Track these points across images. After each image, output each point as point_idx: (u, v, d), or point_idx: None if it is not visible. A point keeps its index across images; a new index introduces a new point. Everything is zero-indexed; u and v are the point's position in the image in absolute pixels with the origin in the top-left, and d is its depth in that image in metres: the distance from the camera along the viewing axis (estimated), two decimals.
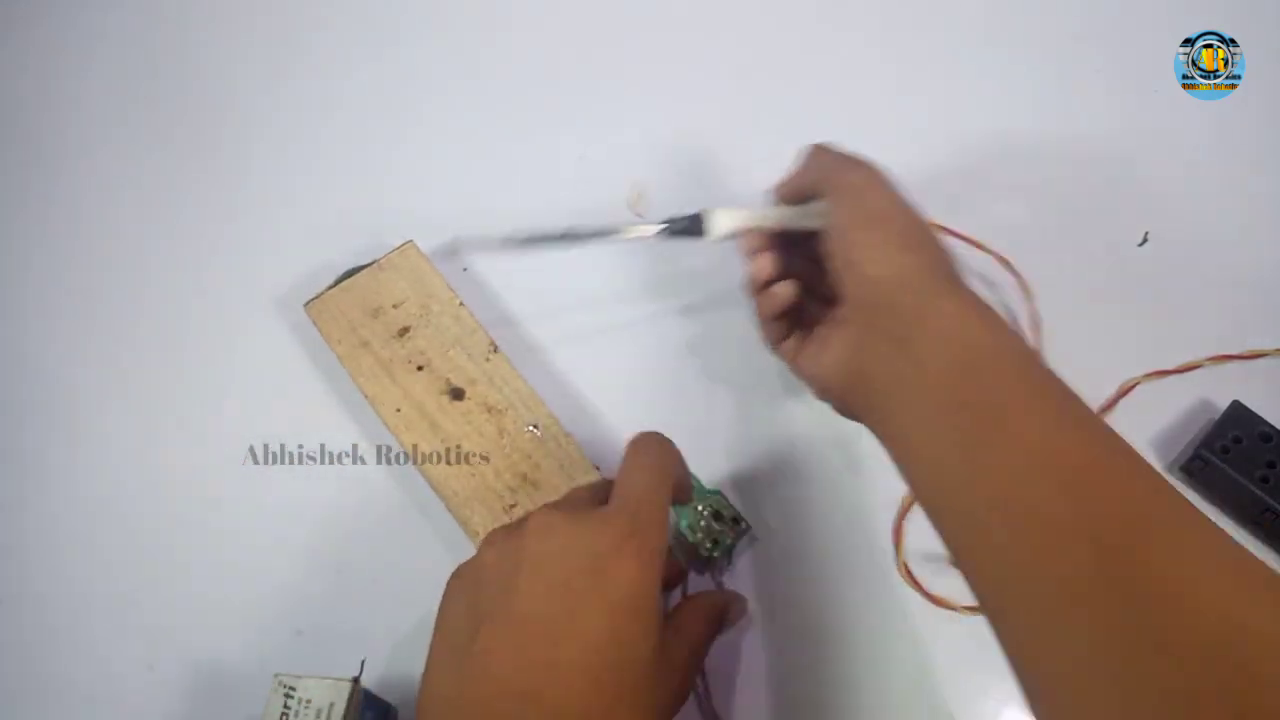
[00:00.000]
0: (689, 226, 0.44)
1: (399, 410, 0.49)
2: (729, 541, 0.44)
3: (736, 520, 0.45)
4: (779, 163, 0.57)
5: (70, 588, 0.49)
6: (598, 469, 0.47)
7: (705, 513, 0.45)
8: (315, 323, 0.51)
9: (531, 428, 0.48)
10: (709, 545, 0.44)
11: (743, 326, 0.53)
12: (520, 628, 0.32)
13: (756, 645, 0.44)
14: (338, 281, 0.52)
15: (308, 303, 0.52)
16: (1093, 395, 0.49)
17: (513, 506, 0.46)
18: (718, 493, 0.46)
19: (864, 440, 0.49)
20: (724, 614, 0.41)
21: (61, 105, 0.63)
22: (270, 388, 0.53)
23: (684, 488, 0.42)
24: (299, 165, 0.60)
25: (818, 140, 0.44)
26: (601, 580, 0.33)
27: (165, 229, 0.58)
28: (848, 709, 0.43)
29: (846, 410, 0.41)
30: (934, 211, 0.55)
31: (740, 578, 0.46)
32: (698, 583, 0.46)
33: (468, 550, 0.45)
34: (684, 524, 0.45)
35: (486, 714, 0.31)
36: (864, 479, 0.48)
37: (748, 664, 0.44)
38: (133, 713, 0.46)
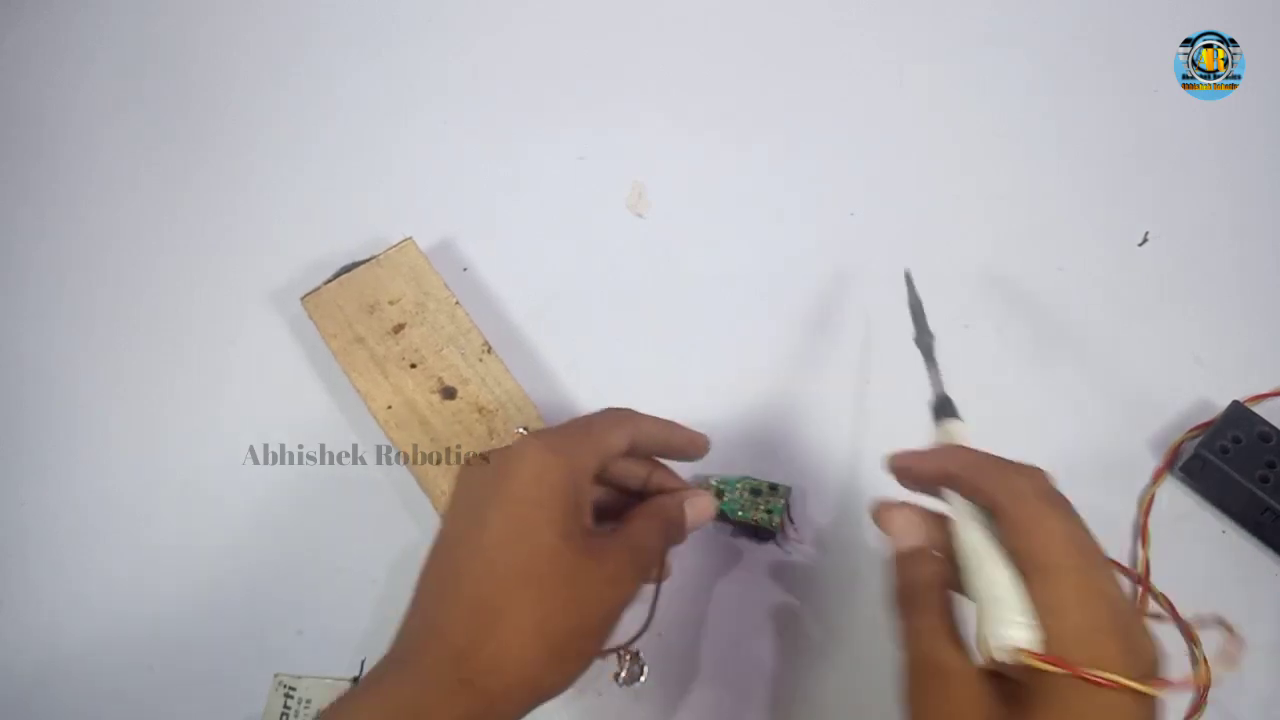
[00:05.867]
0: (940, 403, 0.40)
1: (390, 407, 0.49)
2: (780, 505, 0.46)
3: (774, 487, 0.46)
4: (779, 162, 0.58)
5: (70, 588, 0.49)
6: None
7: (743, 489, 0.46)
8: (311, 316, 0.51)
9: (521, 430, 0.48)
10: (765, 514, 0.45)
11: (740, 330, 0.53)
12: (444, 548, 0.37)
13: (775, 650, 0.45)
14: (335, 276, 0.52)
15: (304, 296, 0.52)
16: (1092, 397, 0.49)
17: None
18: (745, 476, 0.46)
19: (864, 439, 0.49)
20: (672, 516, 0.40)
21: (61, 103, 0.63)
22: (270, 388, 0.53)
23: (653, 439, 0.41)
24: (299, 163, 0.60)
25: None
26: (501, 483, 0.37)
27: (166, 227, 0.58)
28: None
29: None
30: (934, 211, 0.56)
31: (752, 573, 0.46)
32: (774, 554, 0.47)
33: None
34: (725, 507, 0.45)
35: (424, 618, 0.36)
36: (863, 476, 0.48)
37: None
38: (133, 713, 0.46)
